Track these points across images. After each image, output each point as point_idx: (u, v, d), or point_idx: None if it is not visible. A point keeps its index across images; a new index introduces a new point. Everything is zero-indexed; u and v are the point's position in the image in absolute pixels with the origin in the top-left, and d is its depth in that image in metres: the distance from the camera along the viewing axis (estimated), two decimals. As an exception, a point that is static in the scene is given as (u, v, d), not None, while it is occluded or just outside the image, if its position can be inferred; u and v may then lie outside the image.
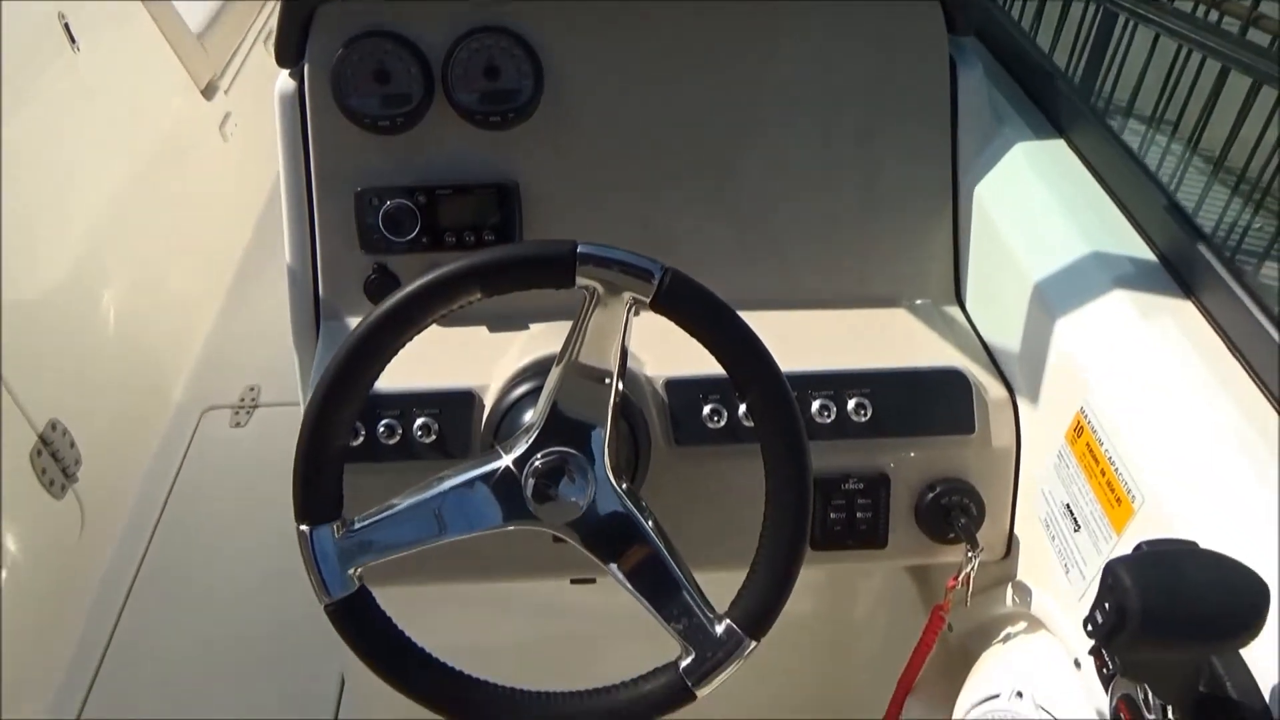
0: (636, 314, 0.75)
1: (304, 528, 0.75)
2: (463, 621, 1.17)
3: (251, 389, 2.06)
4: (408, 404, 0.99)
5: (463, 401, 0.99)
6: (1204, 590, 0.58)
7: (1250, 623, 0.58)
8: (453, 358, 1.05)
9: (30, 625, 1.53)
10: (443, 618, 1.06)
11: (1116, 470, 0.84)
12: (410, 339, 0.75)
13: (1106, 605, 0.58)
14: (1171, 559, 0.60)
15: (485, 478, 0.78)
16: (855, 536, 1.02)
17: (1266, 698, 0.66)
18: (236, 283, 2.41)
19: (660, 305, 0.73)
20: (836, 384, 1.01)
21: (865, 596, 1.44)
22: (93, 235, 1.90)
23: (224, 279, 2.41)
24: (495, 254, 0.73)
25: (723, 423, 0.99)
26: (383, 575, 0.91)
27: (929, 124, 1.10)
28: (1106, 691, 0.71)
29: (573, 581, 1.10)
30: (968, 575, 1.00)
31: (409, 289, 0.73)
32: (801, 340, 1.06)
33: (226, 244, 2.45)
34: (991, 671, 1.03)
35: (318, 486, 0.75)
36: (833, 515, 1.02)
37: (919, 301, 1.13)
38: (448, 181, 1.08)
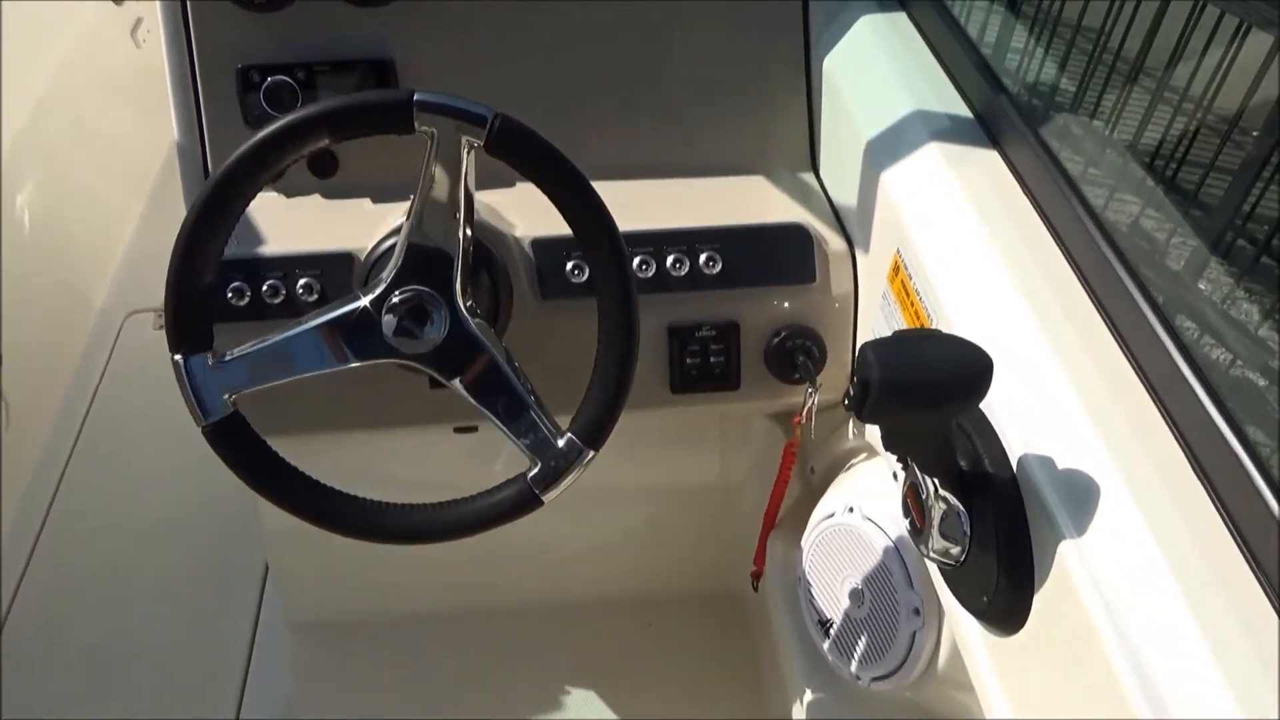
0: (471, 155, 0.82)
1: (178, 357, 0.83)
2: (350, 469, 1.26)
3: None
4: (290, 265, 1.07)
5: (342, 261, 1.07)
6: (937, 363, 0.68)
7: (974, 388, 0.68)
8: (336, 225, 1.12)
9: None
10: (330, 468, 1.16)
11: (922, 300, 0.95)
12: (268, 180, 0.81)
13: (855, 380, 0.68)
14: (911, 340, 0.70)
15: (345, 316, 0.86)
16: (710, 380, 1.13)
17: (1013, 461, 0.77)
18: (158, 188, 2.43)
19: (493, 148, 0.81)
20: (689, 240, 1.10)
21: (742, 456, 1.55)
22: (9, 144, 1.92)
23: (145, 185, 2.43)
24: (341, 101, 0.80)
25: (584, 277, 1.08)
26: (271, 426, 1.00)
27: (780, 5, 1.18)
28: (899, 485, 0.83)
29: (456, 430, 1.19)
30: (810, 410, 1.11)
31: (262, 134, 0.79)
32: (662, 203, 1.15)
33: (146, 150, 2.46)
34: (832, 495, 1.15)
35: (188, 318, 0.83)
36: (689, 361, 1.12)
37: (777, 169, 1.22)
38: (326, 58, 1.14)
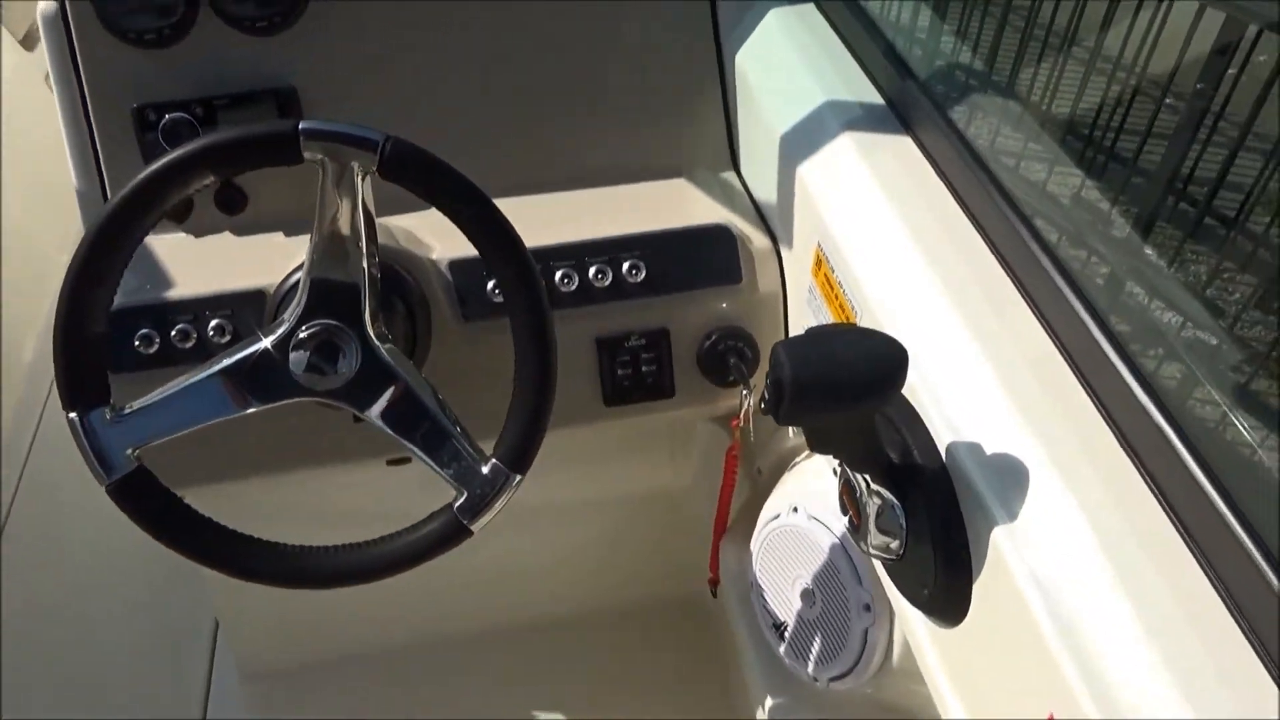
0: (366, 181, 0.79)
1: (73, 415, 0.79)
2: (284, 513, 1.22)
3: None
4: (201, 308, 1.03)
5: (254, 300, 1.03)
6: (850, 357, 0.66)
7: (890, 380, 0.67)
8: (247, 262, 1.09)
9: None
10: (263, 513, 1.12)
11: (845, 292, 0.93)
12: (153, 222, 0.78)
13: (769, 381, 0.67)
14: (824, 336, 0.68)
15: (246, 359, 0.83)
16: (644, 390, 1.11)
17: (942, 450, 0.76)
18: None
19: (387, 172, 0.78)
20: (611, 249, 1.08)
21: (684, 470, 1.54)
22: None
23: (75, 231, 2.36)
24: (222, 135, 0.77)
25: None
26: (190, 476, 0.96)
27: (689, 5, 1.16)
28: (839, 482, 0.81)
29: (389, 463, 1.16)
30: (746, 412, 1.09)
31: (140, 176, 0.76)
32: (581, 214, 1.13)
33: (70, 195, 2.39)
34: (777, 496, 1.13)
35: (81, 372, 0.79)
36: (620, 372, 1.10)
37: (697, 171, 1.20)
38: (224, 91, 1.10)
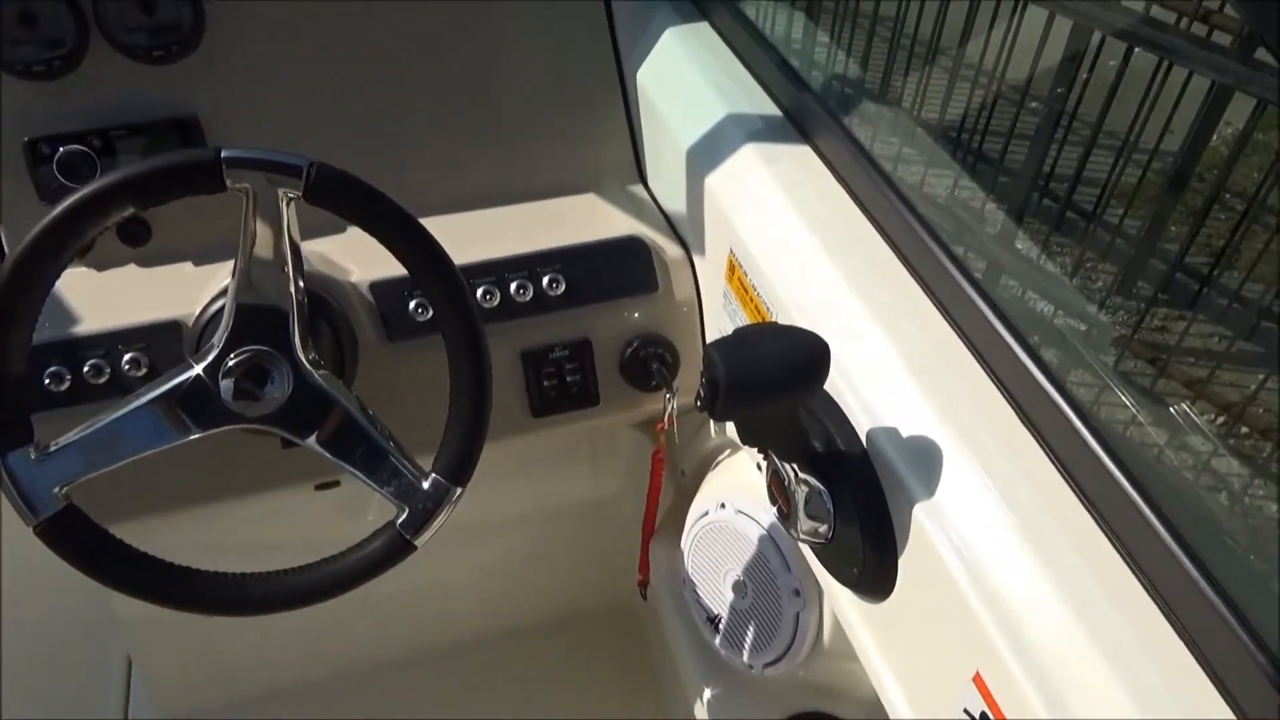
0: (290, 206, 0.80)
1: None
2: (213, 546, 1.19)
3: None
4: (113, 342, 1.01)
5: (169, 330, 1.02)
6: (777, 354, 0.71)
7: (815, 373, 0.72)
8: (157, 294, 1.07)
9: None
10: (191, 546, 1.09)
11: (760, 294, 0.98)
12: (70, 258, 0.76)
13: (704, 381, 0.71)
14: (752, 336, 0.73)
15: (177, 387, 0.82)
16: (569, 399, 1.13)
17: (862, 436, 0.81)
18: None
19: (313, 197, 0.79)
20: (529, 264, 1.10)
21: (611, 477, 1.57)
22: None
23: None
24: (143, 166, 0.76)
25: (429, 315, 1.07)
26: (115, 512, 0.93)
27: (586, 22, 1.20)
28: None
29: (317, 487, 1.15)
30: (670, 415, 1.13)
31: (57, 210, 0.74)
32: (499, 231, 1.15)
33: None
34: (704, 494, 1.17)
35: (2, 413, 0.77)
36: (546, 383, 1.12)
37: (607, 184, 1.24)
38: (122, 122, 1.08)
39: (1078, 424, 0.71)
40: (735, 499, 1.08)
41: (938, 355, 0.83)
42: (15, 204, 1.07)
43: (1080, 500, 0.71)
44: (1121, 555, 0.68)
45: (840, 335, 0.86)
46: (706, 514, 1.12)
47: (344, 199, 0.80)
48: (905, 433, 0.79)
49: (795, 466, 0.81)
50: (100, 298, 1.06)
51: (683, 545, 1.17)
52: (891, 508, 0.79)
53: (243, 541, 1.28)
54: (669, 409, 1.13)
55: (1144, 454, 0.73)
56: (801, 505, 0.82)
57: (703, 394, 0.71)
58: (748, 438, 0.78)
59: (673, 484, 1.37)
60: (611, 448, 1.55)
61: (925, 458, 0.77)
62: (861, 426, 0.81)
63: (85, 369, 0.99)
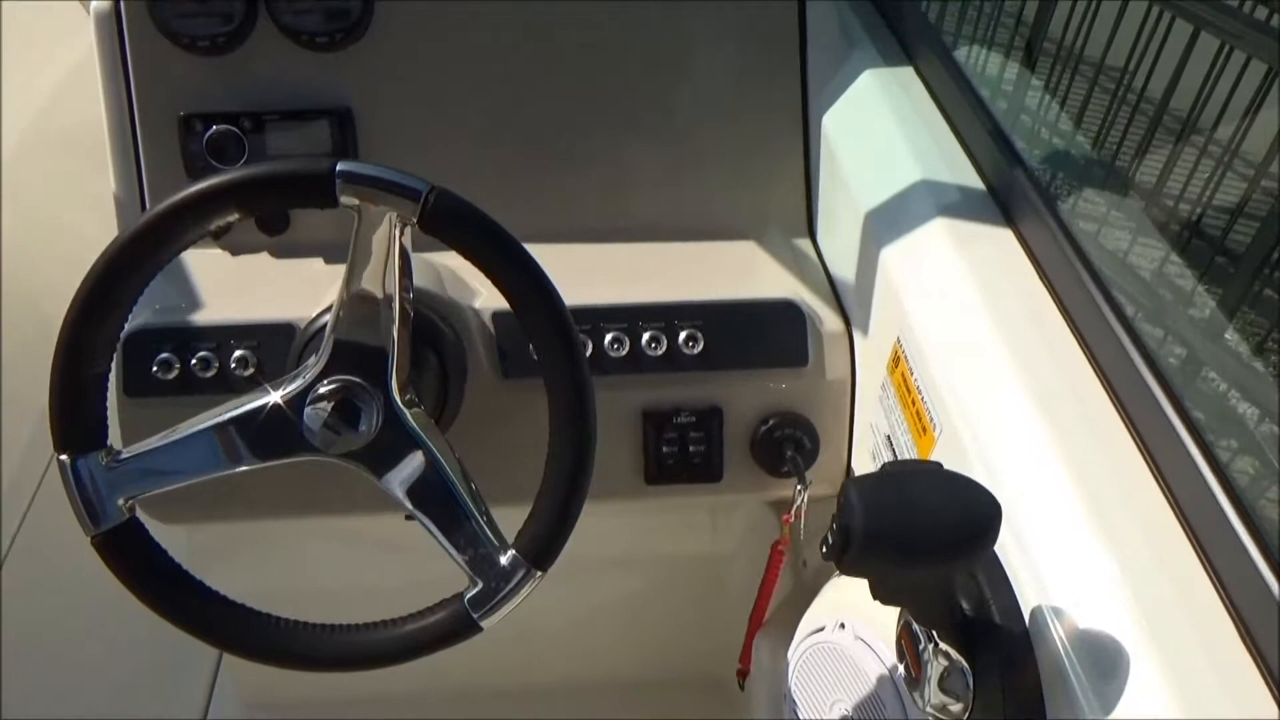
0: (404, 232, 0.72)
1: (64, 457, 0.72)
2: (295, 564, 1.15)
3: None
4: (225, 336, 0.97)
5: (282, 332, 0.97)
6: (933, 508, 0.57)
7: (978, 539, 0.57)
8: (281, 290, 1.02)
9: None
10: (275, 561, 1.04)
11: (924, 399, 0.83)
12: (168, 258, 0.71)
13: (836, 525, 0.57)
14: (903, 478, 0.59)
15: (255, 412, 0.76)
16: (689, 470, 1.01)
17: (1026, 612, 0.66)
18: None
19: (428, 225, 0.70)
20: (667, 315, 0.99)
21: (726, 540, 1.44)
22: None
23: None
24: (251, 172, 0.70)
25: None
26: (193, 512, 0.89)
27: (775, 50, 1.07)
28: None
29: (407, 518, 1.08)
30: (799, 509, 1.00)
31: (160, 207, 0.69)
32: (641, 270, 1.04)
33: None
34: (824, 605, 1.03)
35: (78, 413, 0.72)
36: (665, 449, 1.01)
37: (769, 234, 1.11)
38: (275, 107, 1.04)
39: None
40: (858, 623, 0.93)
41: (1140, 524, 0.66)
42: (161, 179, 1.05)
43: None
44: None
45: (1017, 478, 0.70)
46: (822, 629, 0.97)
47: (460, 231, 0.72)
48: (1083, 621, 0.62)
49: (934, 632, 0.66)
50: (226, 285, 1.03)
51: (789, 656, 1.03)
52: (1049, 707, 0.63)
53: (320, 559, 1.23)
54: (799, 501, 0.99)
55: None
56: (934, 678, 0.67)
57: (830, 540, 0.58)
58: (881, 593, 0.64)
59: (791, 572, 1.23)
60: (731, 507, 1.42)
61: (1104, 658, 0.60)
62: (1028, 601, 0.66)
63: (194, 361, 0.95)
